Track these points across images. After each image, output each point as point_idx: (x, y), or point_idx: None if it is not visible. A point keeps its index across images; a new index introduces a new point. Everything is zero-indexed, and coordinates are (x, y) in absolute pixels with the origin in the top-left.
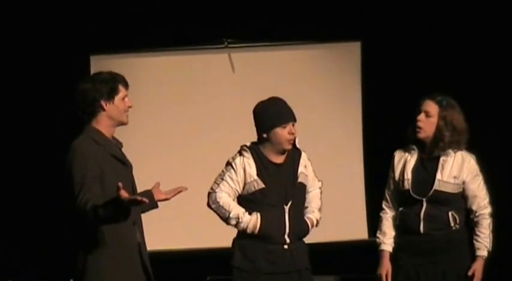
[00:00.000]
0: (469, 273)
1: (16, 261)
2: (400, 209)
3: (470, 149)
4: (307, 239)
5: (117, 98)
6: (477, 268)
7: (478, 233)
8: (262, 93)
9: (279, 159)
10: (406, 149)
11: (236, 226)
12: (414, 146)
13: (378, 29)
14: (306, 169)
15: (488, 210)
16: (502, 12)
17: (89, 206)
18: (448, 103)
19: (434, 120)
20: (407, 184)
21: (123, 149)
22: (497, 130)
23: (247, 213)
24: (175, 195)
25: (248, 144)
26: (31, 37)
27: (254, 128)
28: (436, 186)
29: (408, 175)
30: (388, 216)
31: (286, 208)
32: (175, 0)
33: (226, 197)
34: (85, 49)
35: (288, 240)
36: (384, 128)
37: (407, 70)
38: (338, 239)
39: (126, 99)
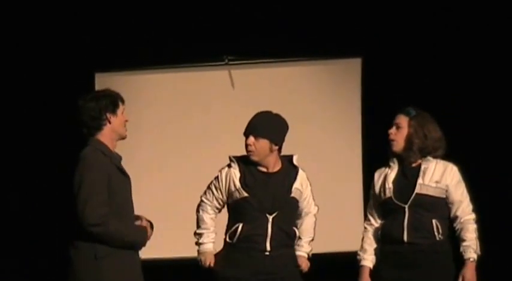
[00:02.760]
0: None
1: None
2: (382, 221)
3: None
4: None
5: (118, 112)
6: (466, 272)
7: (464, 237)
8: (262, 109)
9: (267, 169)
10: (386, 165)
11: (196, 242)
12: (394, 159)
13: (379, 46)
14: (302, 187)
15: (473, 216)
16: (504, 27)
17: (112, 226)
18: (418, 112)
19: (405, 131)
20: (389, 192)
21: (122, 163)
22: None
23: (210, 242)
24: None
25: (237, 155)
26: (36, 54)
27: None
28: (418, 189)
29: (389, 184)
30: (369, 233)
31: (270, 218)
32: (177, 18)
33: (206, 213)
34: (90, 67)
35: (269, 248)
36: (384, 145)
37: (408, 87)
38: (337, 250)
39: (124, 113)
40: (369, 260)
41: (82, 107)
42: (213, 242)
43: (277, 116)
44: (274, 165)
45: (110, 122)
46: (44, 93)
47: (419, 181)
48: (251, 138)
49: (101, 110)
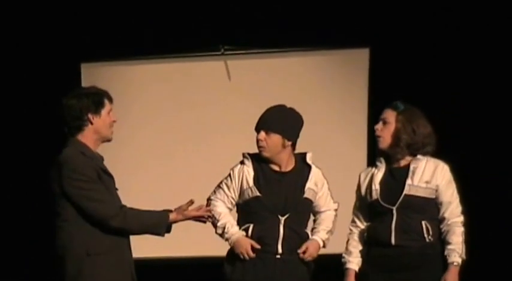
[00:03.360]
0: None
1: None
2: (369, 223)
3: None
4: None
5: (103, 112)
6: (448, 276)
7: (449, 240)
8: (259, 101)
9: (279, 167)
10: (372, 165)
11: (221, 235)
12: (381, 158)
13: (387, 36)
14: (316, 187)
15: (461, 219)
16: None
17: (129, 213)
18: (406, 107)
19: (392, 126)
20: (376, 194)
21: (109, 158)
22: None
23: (236, 226)
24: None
25: (251, 152)
26: (22, 45)
27: (251, 136)
28: (407, 191)
29: (376, 186)
30: (354, 236)
31: (282, 219)
32: (170, 7)
33: (221, 207)
34: (76, 57)
35: (280, 250)
36: None
37: (416, 78)
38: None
39: (111, 113)
40: (354, 263)
41: (64, 104)
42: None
43: (291, 110)
44: (287, 163)
45: (91, 123)
46: (30, 84)
47: (408, 181)
48: (262, 134)
49: (82, 109)
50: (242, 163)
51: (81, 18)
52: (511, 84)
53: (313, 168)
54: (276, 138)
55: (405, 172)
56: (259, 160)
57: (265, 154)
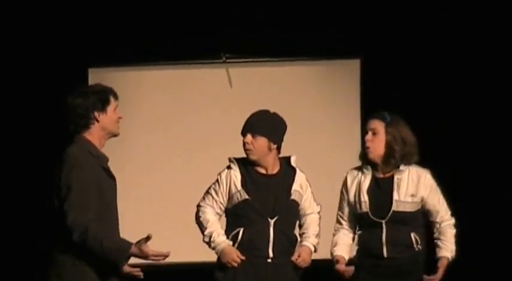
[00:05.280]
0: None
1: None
2: (359, 232)
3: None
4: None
5: (109, 109)
6: (439, 269)
7: (442, 239)
8: (260, 108)
9: (266, 170)
10: (359, 169)
11: (208, 244)
12: (368, 167)
13: (378, 46)
14: (302, 189)
15: (452, 221)
16: (502, 25)
17: (92, 228)
18: (393, 118)
19: (382, 137)
20: (365, 207)
21: (114, 162)
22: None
23: (222, 235)
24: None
25: (236, 156)
26: (29, 50)
27: None
28: (395, 207)
29: (364, 197)
30: (340, 234)
31: (272, 221)
32: (174, 15)
33: (209, 214)
34: (83, 62)
35: (271, 254)
36: None
37: (407, 88)
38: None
39: (116, 110)
40: (343, 250)
41: (70, 103)
42: (226, 239)
43: (275, 114)
44: (273, 166)
45: (97, 121)
46: (37, 89)
47: (395, 196)
48: (248, 137)
49: (88, 108)
50: (229, 167)
51: (87, 24)
52: (500, 92)
53: (298, 171)
54: (262, 142)
55: (390, 183)
56: (245, 164)
57: (252, 156)
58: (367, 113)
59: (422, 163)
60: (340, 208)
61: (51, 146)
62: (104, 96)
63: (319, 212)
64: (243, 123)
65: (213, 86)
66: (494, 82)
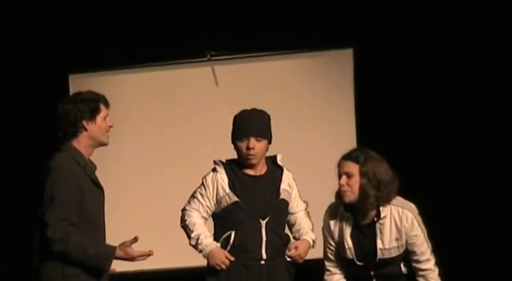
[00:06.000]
0: None
1: None
2: (349, 273)
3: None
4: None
5: (98, 118)
6: None
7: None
8: (248, 105)
9: (254, 171)
10: (338, 212)
11: (195, 247)
12: (349, 214)
13: (371, 36)
14: (290, 188)
15: (432, 262)
16: (497, 20)
17: (73, 239)
18: (366, 157)
19: (356, 179)
20: (350, 253)
21: (100, 169)
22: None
23: (209, 237)
24: (142, 258)
25: (222, 159)
26: (9, 56)
27: None
28: (380, 255)
29: (349, 243)
30: (335, 276)
31: (263, 223)
32: (154, 15)
33: (195, 217)
34: (64, 68)
35: (265, 256)
36: (378, 139)
37: (402, 78)
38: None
39: (107, 118)
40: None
41: (59, 110)
42: (214, 241)
43: (264, 113)
44: (261, 167)
45: (86, 130)
46: (17, 97)
47: (379, 245)
48: (254, 141)
49: (76, 116)
50: (214, 170)
51: (67, 29)
52: (498, 84)
53: (285, 170)
54: (264, 145)
55: (373, 229)
56: (231, 166)
57: (255, 161)
58: (362, 105)
59: (418, 156)
60: (326, 256)
61: (31, 154)
62: (93, 105)
63: (306, 209)
64: (231, 122)
65: (199, 85)
66: (491, 71)
